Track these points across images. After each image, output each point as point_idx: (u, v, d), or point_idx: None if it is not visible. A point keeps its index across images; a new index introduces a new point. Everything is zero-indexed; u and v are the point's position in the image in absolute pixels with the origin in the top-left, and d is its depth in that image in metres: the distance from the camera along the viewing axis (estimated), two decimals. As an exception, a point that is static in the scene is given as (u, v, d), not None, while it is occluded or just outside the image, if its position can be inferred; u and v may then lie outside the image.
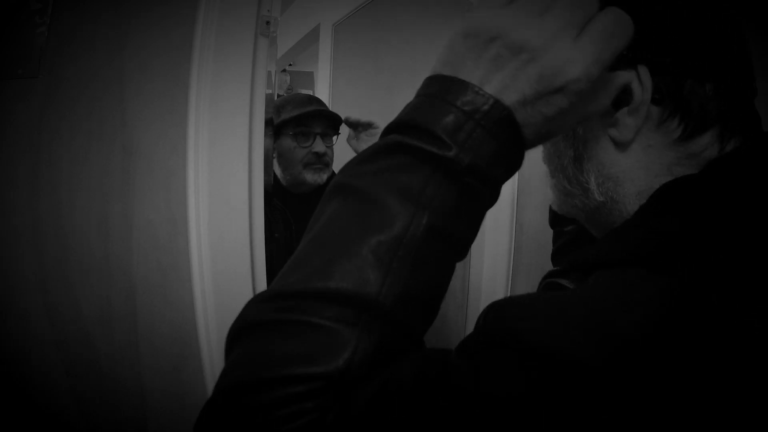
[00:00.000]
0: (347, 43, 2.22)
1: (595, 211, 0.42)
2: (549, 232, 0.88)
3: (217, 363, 0.95)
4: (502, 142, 0.32)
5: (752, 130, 0.39)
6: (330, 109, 1.45)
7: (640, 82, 0.36)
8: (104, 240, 0.99)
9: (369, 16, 2.03)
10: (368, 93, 2.02)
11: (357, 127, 1.28)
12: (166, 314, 0.99)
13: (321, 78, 2.52)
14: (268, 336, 0.29)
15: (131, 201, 0.98)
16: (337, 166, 1.48)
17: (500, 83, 0.31)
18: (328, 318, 0.28)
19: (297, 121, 1.37)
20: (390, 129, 0.34)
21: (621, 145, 0.39)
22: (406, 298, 0.30)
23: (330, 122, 1.43)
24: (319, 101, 1.46)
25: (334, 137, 1.46)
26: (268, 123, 1.05)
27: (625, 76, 0.36)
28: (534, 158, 0.42)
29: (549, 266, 0.78)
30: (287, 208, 1.42)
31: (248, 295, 1.00)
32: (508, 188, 1.40)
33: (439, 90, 0.32)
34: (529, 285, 1.42)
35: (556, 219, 0.85)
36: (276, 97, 1.39)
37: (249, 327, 0.30)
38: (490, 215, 1.20)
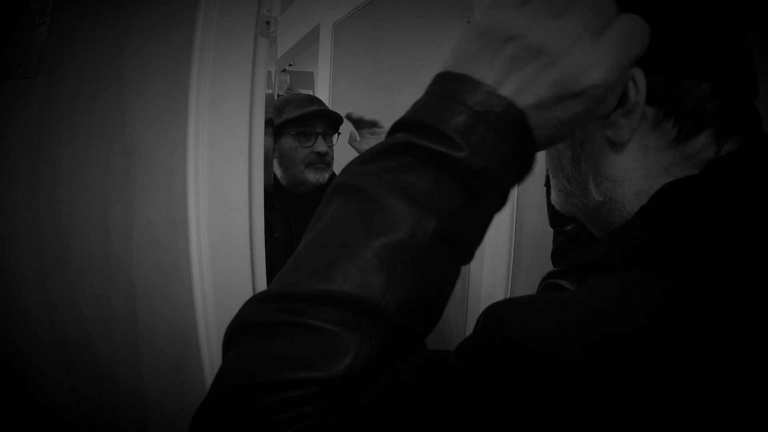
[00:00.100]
0: (347, 43, 2.22)
1: (594, 210, 0.42)
2: (549, 232, 0.88)
3: (217, 363, 0.94)
4: (514, 146, 0.31)
5: (752, 129, 0.39)
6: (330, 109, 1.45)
7: (634, 83, 0.36)
8: (104, 240, 0.99)
9: (369, 16, 2.03)
10: (368, 93, 2.02)
11: (360, 124, 1.27)
12: (166, 314, 0.99)
13: (321, 78, 2.52)
14: (266, 337, 0.29)
15: (131, 201, 0.98)
16: (337, 167, 1.48)
17: (516, 85, 0.31)
18: (328, 321, 0.28)
19: (299, 121, 1.37)
20: (397, 127, 0.33)
21: (618, 146, 0.38)
22: (410, 304, 0.29)
23: (331, 122, 1.43)
24: (319, 101, 1.46)
25: (335, 136, 1.47)
26: (268, 123, 1.05)
27: None
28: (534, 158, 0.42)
29: (549, 266, 0.78)
30: (287, 209, 1.42)
31: (248, 295, 0.99)
32: (508, 188, 1.40)
33: (450, 88, 0.32)
34: (529, 285, 1.42)
35: (556, 218, 0.85)
36: (276, 97, 1.39)
37: (247, 327, 0.30)
38: (490, 215, 1.19)
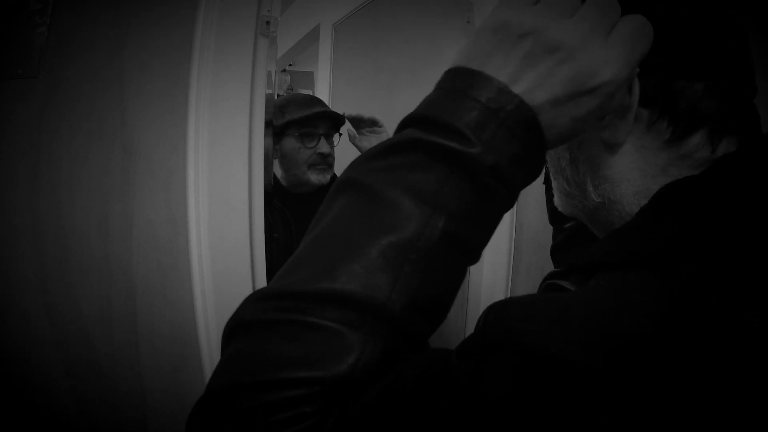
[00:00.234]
0: (347, 43, 2.22)
1: (594, 211, 0.42)
2: (549, 232, 0.88)
3: (217, 363, 0.95)
4: (524, 144, 0.31)
5: (749, 129, 0.39)
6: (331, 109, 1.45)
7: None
8: (104, 240, 0.99)
9: (369, 16, 2.03)
10: (368, 93, 2.02)
11: (359, 123, 1.27)
12: (166, 314, 0.99)
13: (321, 78, 2.52)
14: (265, 335, 0.28)
15: (131, 201, 0.98)
16: (338, 167, 1.48)
17: (532, 81, 0.30)
18: (330, 320, 0.27)
19: (302, 123, 1.37)
20: (406, 123, 0.32)
21: (614, 148, 0.38)
22: (416, 304, 0.29)
23: (333, 123, 1.43)
24: (321, 102, 1.46)
25: (336, 137, 1.47)
26: (269, 123, 1.05)
27: None
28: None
29: (549, 266, 0.78)
30: (287, 209, 1.42)
31: (248, 295, 1.00)
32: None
33: (463, 84, 0.31)
34: (529, 285, 1.42)
35: (555, 216, 0.85)
36: (276, 97, 1.39)
37: (246, 325, 0.29)
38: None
